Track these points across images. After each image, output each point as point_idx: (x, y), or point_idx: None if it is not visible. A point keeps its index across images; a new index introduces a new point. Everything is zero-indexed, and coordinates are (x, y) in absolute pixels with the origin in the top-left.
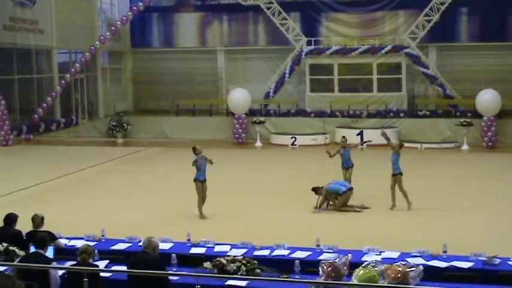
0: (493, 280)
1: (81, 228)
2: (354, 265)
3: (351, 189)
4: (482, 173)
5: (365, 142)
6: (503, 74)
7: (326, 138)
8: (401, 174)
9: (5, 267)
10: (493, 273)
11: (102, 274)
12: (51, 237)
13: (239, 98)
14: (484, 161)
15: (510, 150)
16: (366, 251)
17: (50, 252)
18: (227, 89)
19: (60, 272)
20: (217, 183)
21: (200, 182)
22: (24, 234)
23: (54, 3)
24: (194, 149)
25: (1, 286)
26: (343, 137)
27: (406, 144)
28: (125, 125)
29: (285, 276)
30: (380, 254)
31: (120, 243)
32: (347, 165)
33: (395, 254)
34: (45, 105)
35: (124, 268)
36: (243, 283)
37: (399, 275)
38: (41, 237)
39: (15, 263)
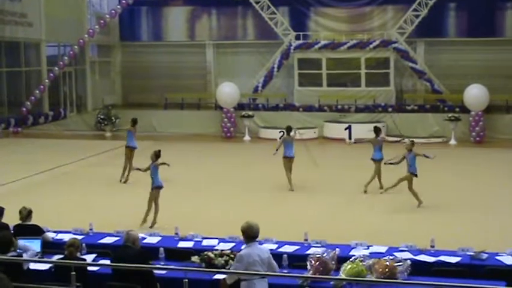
0: (481, 275)
1: (68, 222)
2: (341, 259)
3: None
4: (470, 168)
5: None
6: (491, 69)
7: (314, 132)
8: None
9: None
10: (481, 268)
11: (89, 268)
12: (39, 231)
13: (228, 92)
14: (472, 155)
15: (498, 145)
16: (353, 246)
17: (37, 245)
18: (216, 83)
19: (48, 266)
20: (205, 177)
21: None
22: (11, 227)
23: None
24: (289, 129)
25: None
26: None
27: (393, 139)
28: (113, 118)
29: None
30: (368, 249)
31: (107, 237)
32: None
33: (383, 249)
34: (33, 98)
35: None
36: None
37: (387, 270)
38: (1, 238)
39: None
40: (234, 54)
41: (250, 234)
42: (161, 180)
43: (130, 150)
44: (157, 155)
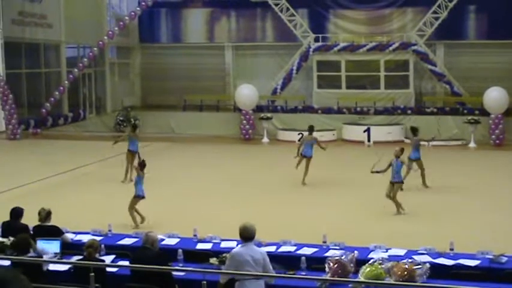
0: (500, 278)
1: (87, 223)
2: (360, 262)
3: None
4: (489, 170)
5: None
6: (511, 71)
7: (333, 134)
8: (402, 182)
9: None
10: (500, 272)
11: (108, 269)
12: (58, 232)
13: (246, 94)
14: (491, 158)
15: None
16: (372, 248)
17: (56, 246)
18: (234, 85)
19: (67, 267)
20: (223, 178)
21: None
22: (31, 228)
23: None
24: (311, 128)
25: (5, 280)
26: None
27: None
28: (132, 120)
29: (291, 272)
30: (386, 252)
31: (126, 238)
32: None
33: (402, 252)
34: (53, 99)
35: None
36: None
37: (406, 273)
38: (19, 241)
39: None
40: (253, 56)
41: (245, 235)
42: (143, 190)
43: (131, 154)
44: (141, 165)
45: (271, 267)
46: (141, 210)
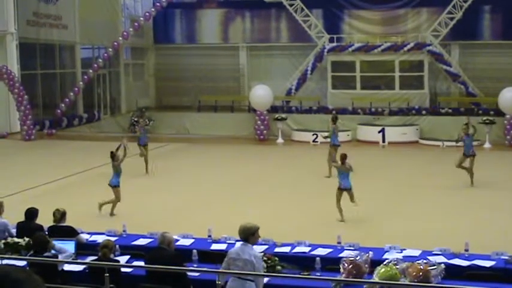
0: None
1: (102, 223)
2: (375, 263)
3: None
4: (504, 171)
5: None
6: None
7: (348, 135)
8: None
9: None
10: None
11: (122, 269)
12: (73, 232)
13: (261, 94)
14: (507, 159)
15: None
16: (387, 249)
17: (71, 247)
18: (249, 86)
19: (82, 267)
20: (237, 179)
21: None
22: (46, 228)
23: None
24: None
25: (18, 280)
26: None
27: (428, 142)
28: (146, 120)
29: (305, 273)
30: (401, 252)
31: (141, 239)
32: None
33: (416, 252)
34: (67, 100)
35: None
36: (264, 280)
37: (420, 273)
38: (38, 239)
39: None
40: (267, 56)
41: (239, 235)
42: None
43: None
44: (111, 155)
45: (261, 271)
46: (156, 210)
